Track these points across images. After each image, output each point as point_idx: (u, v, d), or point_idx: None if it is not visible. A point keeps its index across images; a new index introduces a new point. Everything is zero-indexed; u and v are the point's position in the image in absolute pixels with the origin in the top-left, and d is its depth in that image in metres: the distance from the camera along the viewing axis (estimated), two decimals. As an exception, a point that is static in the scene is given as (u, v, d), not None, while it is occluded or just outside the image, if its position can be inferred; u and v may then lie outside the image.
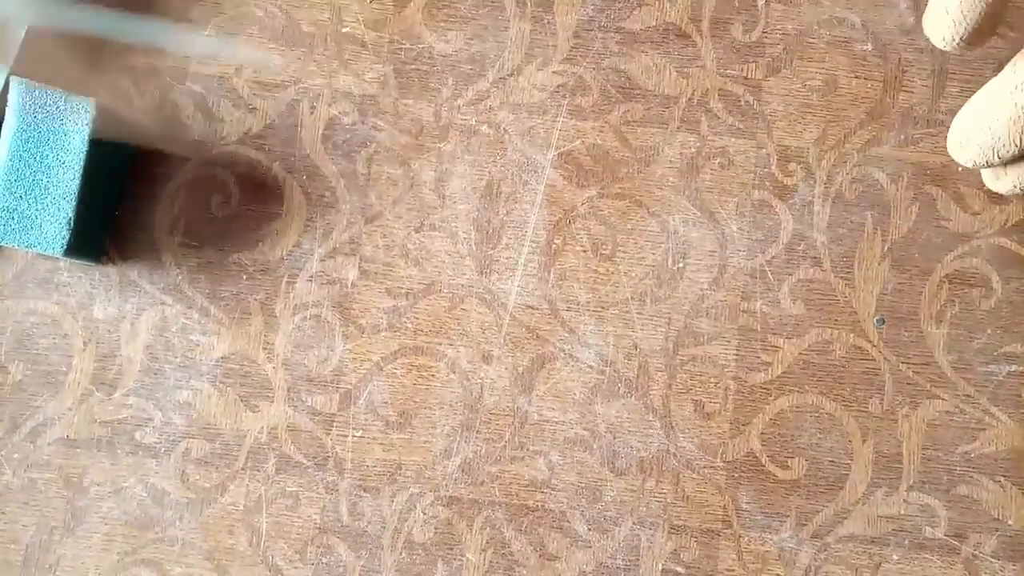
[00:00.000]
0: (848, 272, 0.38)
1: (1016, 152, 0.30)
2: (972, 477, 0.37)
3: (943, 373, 0.37)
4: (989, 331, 0.37)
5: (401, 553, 0.36)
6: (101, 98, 0.38)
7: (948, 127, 0.39)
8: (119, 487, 0.36)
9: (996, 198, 0.38)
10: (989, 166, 0.30)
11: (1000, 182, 0.31)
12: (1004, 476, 0.37)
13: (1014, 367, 0.37)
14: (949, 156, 0.38)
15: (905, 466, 0.37)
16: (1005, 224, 0.38)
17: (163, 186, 0.38)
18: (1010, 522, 0.36)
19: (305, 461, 0.37)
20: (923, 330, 0.37)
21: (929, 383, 0.37)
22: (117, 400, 0.37)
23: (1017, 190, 0.30)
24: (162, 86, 0.38)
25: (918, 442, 0.37)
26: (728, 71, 0.39)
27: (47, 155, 0.33)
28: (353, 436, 0.37)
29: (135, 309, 0.37)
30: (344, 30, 0.39)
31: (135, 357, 0.37)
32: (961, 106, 0.39)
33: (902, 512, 0.36)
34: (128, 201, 0.38)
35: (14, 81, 0.34)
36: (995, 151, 0.30)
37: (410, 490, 0.36)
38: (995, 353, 0.37)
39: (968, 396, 0.37)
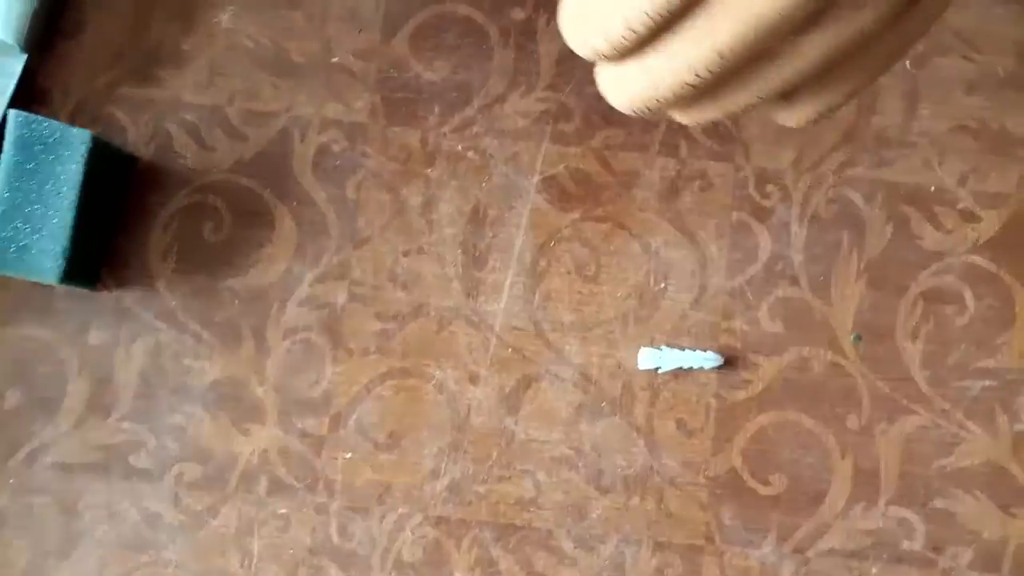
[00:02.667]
0: (825, 291, 0.39)
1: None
2: (948, 491, 0.38)
3: (919, 389, 0.38)
4: (963, 347, 0.38)
5: (391, 574, 0.37)
6: (97, 129, 0.39)
7: (920, 148, 0.40)
8: (113, 511, 0.37)
9: (968, 216, 0.39)
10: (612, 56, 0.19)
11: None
12: (980, 490, 0.38)
13: (988, 382, 0.38)
14: (922, 176, 0.40)
15: (883, 481, 0.38)
16: (977, 242, 0.39)
17: (157, 214, 0.39)
18: (985, 535, 0.37)
19: (296, 483, 0.37)
20: (899, 347, 0.38)
21: (905, 399, 0.38)
22: (112, 425, 0.38)
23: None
24: (156, 116, 0.39)
25: (895, 457, 0.38)
26: (706, 97, 0.40)
27: (44, 186, 0.34)
28: (343, 458, 0.37)
29: (129, 335, 0.38)
30: (333, 60, 0.40)
31: (129, 382, 0.38)
32: (935, 127, 0.40)
33: (880, 526, 0.37)
34: (123, 230, 0.39)
35: (11, 113, 0.35)
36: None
37: (399, 511, 0.37)
38: (969, 368, 0.38)
39: (944, 411, 0.38)
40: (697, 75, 0.18)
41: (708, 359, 0.37)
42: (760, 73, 0.19)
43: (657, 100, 0.19)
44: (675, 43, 0.18)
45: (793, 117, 0.21)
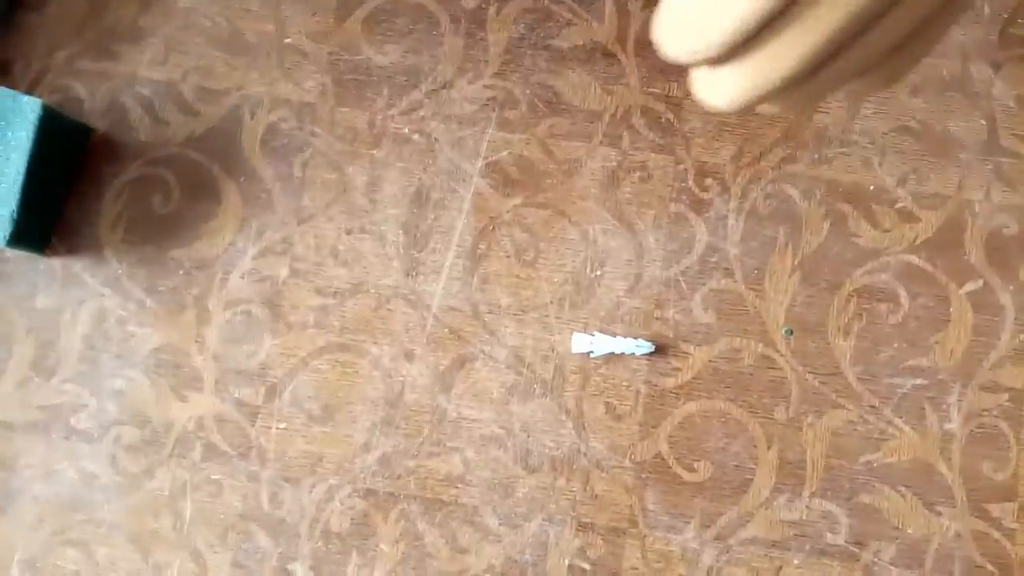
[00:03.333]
0: (759, 284, 0.39)
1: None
2: (874, 486, 0.38)
3: (848, 384, 0.39)
4: (896, 344, 0.39)
5: (318, 542, 0.38)
6: (56, 100, 0.40)
7: (861, 146, 0.41)
8: (52, 470, 0.38)
9: (906, 216, 0.40)
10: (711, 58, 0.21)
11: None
12: (905, 486, 0.38)
13: (919, 380, 0.39)
14: (861, 175, 0.40)
15: (808, 473, 0.38)
16: (915, 241, 0.40)
17: (109, 184, 0.40)
18: (909, 531, 0.38)
19: (230, 450, 0.38)
20: (830, 342, 0.39)
21: (835, 393, 0.39)
22: (54, 386, 0.39)
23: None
24: (113, 89, 0.41)
25: (822, 450, 0.38)
26: (651, 89, 0.41)
27: (-9, 151, 0.35)
28: (277, 428, 0.38)
29: (76, 300, 0.39)
30: (287, 41, 0.41)
31: (73, 346, 0.39)
32: (876, 127, 0.41)
33: (804, 518, 0.38)
34: (75, 198, 0.40)
35: (-34, 81, 0.36)
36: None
37: (329, 481, 0.38)
38: (900, 366, 0.39)
39: (872, 407, 0.38)
40: (803, 65, 0.20)
41: (639, 346, 0.38)
42: (850, 54, 0.20)
43: (763, 94, 0.21)
44: (781, 37, 0.20)
45: (860, 92, 0.22)
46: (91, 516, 0.38)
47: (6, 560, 0.37)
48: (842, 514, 0.38)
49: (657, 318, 0.39)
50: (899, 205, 0.40)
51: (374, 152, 0.40)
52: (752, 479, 0.38)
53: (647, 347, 0.38)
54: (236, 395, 0.38)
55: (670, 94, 0.41)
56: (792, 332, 0.39)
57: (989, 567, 0.37)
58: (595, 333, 0.38)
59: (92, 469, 0.38)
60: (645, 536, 0.38)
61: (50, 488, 0.38)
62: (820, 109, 0.41)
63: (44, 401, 0.39)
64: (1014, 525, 0.37)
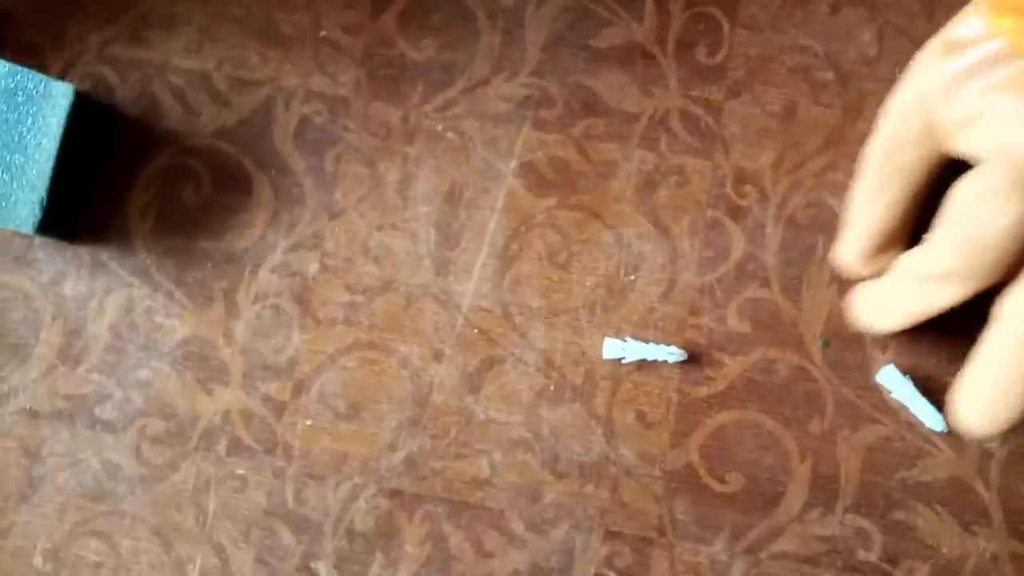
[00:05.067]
0: (796, 294, 0.38)
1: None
2: (909, 504, 0.37)
3: (885, 399, 0.38)
4: (935, 360, 0.38)
5: (342, 541, 0.37)
6: (86, 86, 0.40)
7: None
8: (76, 459, 0.38)
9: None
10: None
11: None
12: (941, 505, 0.37)
13: (957, 397, 0.38)
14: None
15: (842, 488, 0.37)
16: (956, 256, 0.39)
17: (138, 173, 0.40)
18: (944, 551, 0.37)
19: (255, 445, 0.38)
20: (868, 355, 0.38)
21: (871, 407, 0.38)
22: (80, 375, 0.38)
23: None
24: (144, 77, 0.40)
25: (856, 465, 0.37)
26: (690, 92, 0.40)
27: (24, 136, 0.35)
28: (303, 424, 0.38)
29: (103, 289, 0.39)
30: (322, 34, 0.40)
31: (100, 335, 0.38)
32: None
33: (836, 533, 0.37)
34: (104, 186, 0.39)
35: (-1, 65, 0.36)
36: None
37: (354, 480, 0.38)
38: (940, 383, 0.38)
39: (910, 423, 0.38)
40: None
41: (672, 353, 0.37)
42: None
43: (923, 315, 0.29)
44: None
45: None
46: (114, 507, 0.37)
47: (29, 549, 0.37)
48: (875, 531, 0.37)
49: (691, 325, 0.38)
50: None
51: (407, 149, 0.40)
52: (784, 492, 0.37)
53: (680, 355, 0.37)
54: (263, 390, 0.38)
55: (709, 98, 0.40)
56: (828, 344, 0.38)
57: (1025, 591, 0.36)
58: (627, 339, 0.38)
59: (116, 460, 0.38)
60: (674, 547, 0.37)
61: (74, 478, 0.38)
62: (863, 116, 0.40)
63: (69, 390, 0.38)
64: (1052, 549, 0.36)
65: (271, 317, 0.39)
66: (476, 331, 0.38)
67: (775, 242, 0.39)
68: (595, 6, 0.40)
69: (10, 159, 0.35)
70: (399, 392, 0.38)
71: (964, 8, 0.32)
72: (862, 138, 0.40)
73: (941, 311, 0.30)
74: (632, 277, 0.39)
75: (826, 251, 0.39)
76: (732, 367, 0.38)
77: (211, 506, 0.37)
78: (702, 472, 0.37)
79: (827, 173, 0.39)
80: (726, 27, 0.40)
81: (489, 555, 0.37)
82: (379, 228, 0.39)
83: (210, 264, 0.39)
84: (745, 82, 0.40)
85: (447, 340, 0.38)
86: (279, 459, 0.38)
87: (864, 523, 0.37)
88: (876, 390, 0.38)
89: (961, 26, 0.31)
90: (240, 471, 0.38)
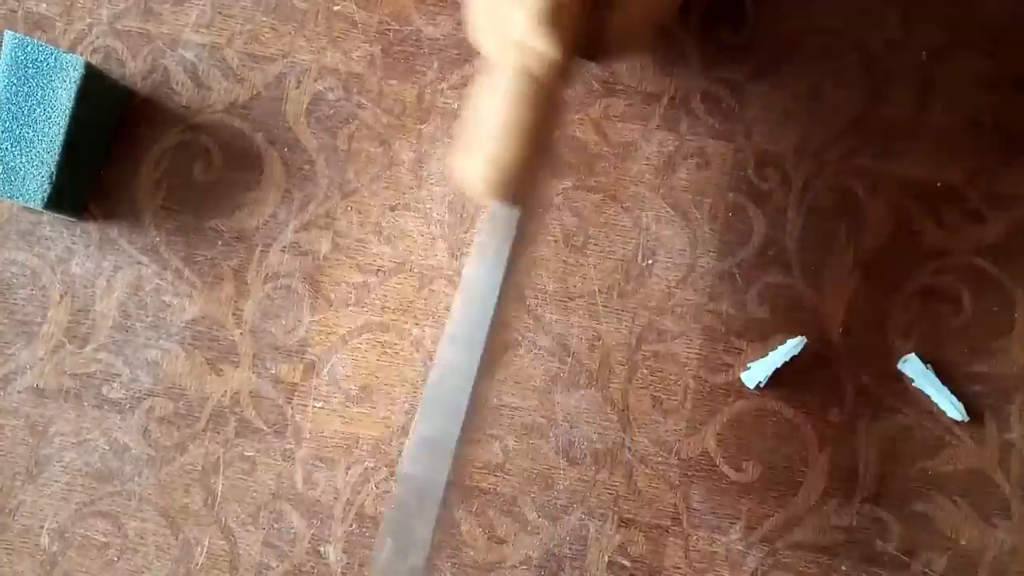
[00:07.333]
0: (817, 280, 0.38)
1: None
2: (928, 494, 0.36)
3: (906, 388, 0.37)
4: (957, 349, 0.37)
5: (352, 525, 0.37)
6: (97, 60, 0.39)
7: (929, 142, 0.39)
8: (83, 439, 0.37)
9: (974, 217, 0.38)
10: None
11: None
12: (961, 496, 0.36)
13: (980, 387, 0.37)
14: (928, 171, 0.38)
15: (861, 478, 0.37)
16: (981, 244, 0.38)
17: (148, 149, 0.39)
18: (963, 542, 0.36)
19: (265, 427, 0.37)
20: (889, 343, 0.37)
21: (891, 396, 0.37)
22: (88, 354, 0.38)
23: None
24: (155, 51, 0.39)
25: (875, 455, 0.37)
26: (713, 72, 0.39)
27: (34, 109, 0.34)
28: (313, 407, 0.37)
29: (112, 267, 0.38)
30: (336, 8, 0.39)
31: (108, 313, 0.38)
32: (945, 122, 0.39)
33: (854, 524, 0.36)
34: (114, 162, 0.39)
35: (8, 35, 0.35)
36: None
37: (365, 464, 0.37)
38: (962, 372, 0.37)
39: (930, 413, 0.37)
40: None
41: (796, 345, 0.36)
42: None
43: None
44: None
45: None
46: (122, 488, 0.37)
47: (35, 528, 0.37)
48: (894, 522, 0.36)
49: (709, 311, 0.38)
50: (967, 205, 0.38)
51: (421, 127, 0.39)
52: (802, 482, 0.37)
53: (800, 342, 0.36)
54: (273, 371, 0.37)
55: (732, 78, 0.39)
56: (849, 331, 0.37)
57: (1047, 584, 0.36)
58: (750, 365, 0.36)
59: (124, 440, 0.37)
60: (689, 535, 0.36)
61: (80, 457, 0.37)
62: (888, 101, 0.39)
63: (77, 369, 0.38)
64: (1075, 542, 0.36)
65: (282, 297, 0.38)
66: (490, 314, 0.38)
67: (797, 227, 0.38)
68: (615, -16, 0.39)
69: (19, 132, 0.34)
70: (411, 375, 0.37)
71: None
72: (886, 122, 0.39)
73: None
74: (650, 261, 0.38)
75: (848, 237, 0.38)
76: (751, 353, 0.37)
77: (219, 488, 0.37)
78: (718, 460, 0.37)
79: (851, 157, 0.38)
80: (750, 7, 0.39)
81: (501, 541, 0.36)
82: (392, 208, 0.38)
83: (220, 242, 0.38)
84: (769, 63, 0.39)
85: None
86: (289, 441, 0.37)
87: (882, 513, 0.36)
88: (897, 379, 0.37)
89: None
90: (249, 453, 0.37)
